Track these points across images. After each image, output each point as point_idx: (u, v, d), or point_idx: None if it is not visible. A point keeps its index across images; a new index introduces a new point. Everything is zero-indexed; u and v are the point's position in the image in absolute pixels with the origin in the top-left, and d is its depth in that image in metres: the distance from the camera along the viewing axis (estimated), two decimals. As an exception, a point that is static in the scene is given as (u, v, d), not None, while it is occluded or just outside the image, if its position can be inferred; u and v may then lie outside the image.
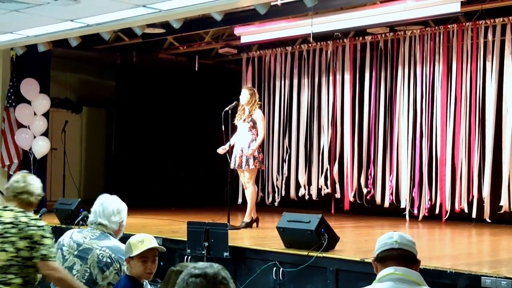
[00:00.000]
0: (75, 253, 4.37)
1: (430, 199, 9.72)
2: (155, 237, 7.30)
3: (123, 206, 4.56)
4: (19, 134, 10.82)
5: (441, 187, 9.59)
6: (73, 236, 4.48)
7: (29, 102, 10.90)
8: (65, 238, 4.51)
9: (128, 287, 3.93)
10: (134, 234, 4.12)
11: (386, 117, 10.33)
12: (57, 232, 7.97)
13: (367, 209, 10.46)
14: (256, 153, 8.44)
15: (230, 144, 8.55)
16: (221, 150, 8.61)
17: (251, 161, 8.38)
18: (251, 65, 11.95)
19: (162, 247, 4.12)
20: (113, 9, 7.57)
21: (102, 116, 13.48)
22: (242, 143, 8.47)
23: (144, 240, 4.01)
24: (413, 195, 9.85)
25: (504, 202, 9.05)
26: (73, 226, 6.76)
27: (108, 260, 4.23)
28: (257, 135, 8.51)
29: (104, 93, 13.27)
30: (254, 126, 8.49)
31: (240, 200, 10.67)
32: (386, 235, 2.98)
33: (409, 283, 2.82)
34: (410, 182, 9.94)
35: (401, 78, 10.12)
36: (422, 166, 9.80)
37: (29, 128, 10.90)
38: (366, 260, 5.44)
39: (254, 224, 8.58)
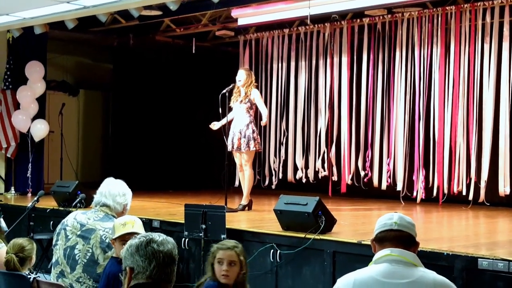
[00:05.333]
0: (78, 233, 4.42)
1: (427, 182, 9.73)
2: (153, 219, 7.35)
3: (128, 191, 4.65)
4: (16, 116, 10.80)
5: (438, 169, 9.60)
6: (77, 217, 4.53)
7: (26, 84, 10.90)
8: (69, 219, 4.57)
9: (114, 267, 3.95)
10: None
11: (384, 99, 10.32)
12: (55, 215, 8.04)
13: (364, 192, 10.48)
14: (255, 135, 8.43)
15: (227, 121, 8.49)
16: (214, 126, 8.61)
17: (251, 143, 8.37)
18: (248, 48, 11.91)
19: (140, 232, 4.11)
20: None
21: (99, 98, 13.45)
22: (240, 125, 8.44)
23: (127, 223, 4.03)
24: (413, 178, 9.86)
25: (502, 185, 9.06)
26: (70, 209, 6.78)
27: (110, 242, 4.25)
28: (254, 116, 8.50)
29: (101, 76, 13.23)
30: (251, 107, 8.47)
31: (237, 183, 10.67)
32: (386, 216, 2.99)
33: (405, 264, 2.84)
34: (408, 165, 9.94)
35: (398, 61, 10.09)
36: (420, 148, 9.80)
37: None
38: (363, 242, 5.45)
39: (247, 207, 8.56)
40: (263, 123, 8.53)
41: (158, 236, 2.85)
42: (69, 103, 12.43)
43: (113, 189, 4.55)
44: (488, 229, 7.91)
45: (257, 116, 9.00)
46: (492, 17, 9.20)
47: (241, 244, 4.28)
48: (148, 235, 2.87)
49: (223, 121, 8.51)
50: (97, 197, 4.58)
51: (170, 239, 2.89)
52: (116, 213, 4.51)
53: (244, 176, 8.56)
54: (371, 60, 10.44)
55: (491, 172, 9.22)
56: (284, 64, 11.52)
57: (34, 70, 10.86)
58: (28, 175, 10.86)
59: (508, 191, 9.01)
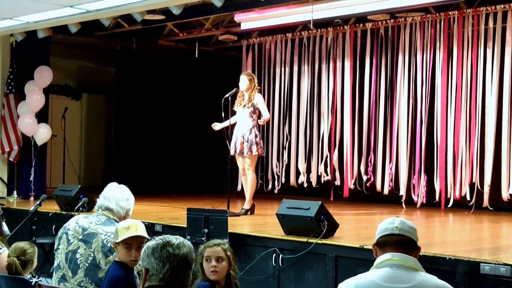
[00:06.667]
0: (80, 237, 4.42)
1: (430, 187, 9.72)
2: (155, 223, 7.35)
3: (131, 196, 4.66)
4: (23, 119, 10.81)
5: (441, 174, 9.59)
6: (79, 221, 4.53)
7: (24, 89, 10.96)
8: (71, 223, 4.57)
9: (117, 271, 3.94)
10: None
11: (386, 104, 10.32)
12: (57, 219, 8.05)
13: (366, 196, 10.47)
14: (258, 139, 8.44)
15: (229, 124, 8.50)
16: (216, 126, 8.61)
17: (254, 148, 8.38)
18: (251, 52, 11.92)
19: (147, 236, 4.07)
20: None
21: (102, 102, 13.46)
22: (243, 130, 8.45)
23: (130, 226, 4.02)
24: (413, 182, 9.85)
25: (505, 190, 9.05)
26: (73, 213, 6.79)
27: (113, 246, 4.24)
28: (257, 121, 8.50)
29: (104, 80, 13.25)
30: (254, 111, 8.48)
31: (239, 187, 10.68)
32: (388, 220, 2.99)
33: (406, 268, 2.84)
34: (410, 169, 9.94)
35: (401, 65, 10.10)
36: (422, 153, 9.80)
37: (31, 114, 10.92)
38: (365, 247, 5.45)
39: (249, 211, 8.55)
40: (260, 122, 8.53)
41: (175, 239, 2.88)
42: (72, 107, 12.44)
43: (117, 194, 4.57)
44: (491, 233, 7.90)
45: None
46: (494, 22, 9.20)
47: (228, 243, 4.38)
48: (166, 237, 2.90)
49: (226, 123, 8.53)
50: (100, 200, 4.59)
51: (187, 243, 2.91)
52: (119, 218, 4.52)
53: (247, 181, 8.57)
54: (374, 65, 10.44)
55: (494, 177, 9.21)
56: (287, 69, 11.53)
57: (43, 75, 10.92)
58: (30, 179, 10.88)
59: (509, 196, 9.02)
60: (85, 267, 4.31)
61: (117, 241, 4.01)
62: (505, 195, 9.07)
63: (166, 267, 2.79)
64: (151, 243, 2.89)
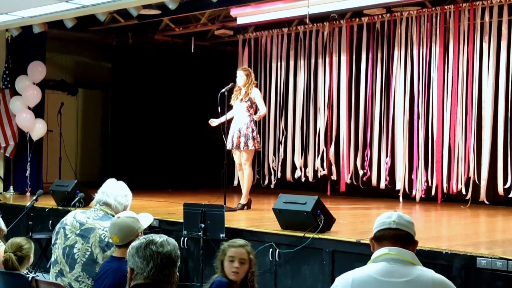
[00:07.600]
0: (77, 232, 4.43)
1: (426, 181, 9.73)
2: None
3: (129, 192, 4.69)
4: (20, 115, 10.79)
5: (437, 168, 9.60)
6: (76, 216, 4.55)
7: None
8: (68, 217, 4.59)
9: (125, 267, 3.90)
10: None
11: (383, 98, 10.32)
12: (54, 214, 8.04)
13: (363, 191, 10.48)
14: (254, 134, 8.43)
15: (226, 119, 8.47)
16: (213, 122, 8.60)
17: (250, 142, 8.36)
18: (247, 47, 11.91)
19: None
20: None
21: (98, 98, 13.44)
22: (239, 124, 8.44)
23: (138, 214, 4.10)
24: (412, 177, 9.86)
25: (501, 184, 9.06)
26: (69, 208, 6.79)
27: (110, 241, 4.25)
28: (253, 116, 8.49)
29: (100, 75, 13.23)
30: (251, 105, 8.47)
31: (236, 182, 10.67)
32: (385, 214, 2.99)
33: (403, 262, 2.84)
34: (406, 164, 9.95)
35: (397, 60, 10.10)
36: (419, 148, 9.81)
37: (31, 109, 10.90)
38: (362, 241, 5.46)
39: (246, 206, 8.55)
40: (255, 117, 8.51)
41: (159, 238, 2.90)
42: (68, 102, 12.42)
43: (116, 189, 4.60)
44: (488, 228, 7.91)
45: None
46: (490, 16, 9.20)
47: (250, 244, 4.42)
48: (149, 236, 2.93)
49: (222, 119, 8.51)
50: (99, 195, 4.61)
51: (171, 241, 2.93)
52: (116, 213, 4.52)
53: (244, 175, 8.56)
54: (370, 59, 10.44)
55: (491, 171, 9.23)
56: (283, 63, 11.52)
57: (37, 70, 10.89)
58: (27, 174, 10.86)
59: (504, 191, 9.04)
60: (82, 262, 4.32)
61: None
62: (501, 190, 9.09)
63: (150, 265, 2.82)
64: (135, 243, 2.93)
